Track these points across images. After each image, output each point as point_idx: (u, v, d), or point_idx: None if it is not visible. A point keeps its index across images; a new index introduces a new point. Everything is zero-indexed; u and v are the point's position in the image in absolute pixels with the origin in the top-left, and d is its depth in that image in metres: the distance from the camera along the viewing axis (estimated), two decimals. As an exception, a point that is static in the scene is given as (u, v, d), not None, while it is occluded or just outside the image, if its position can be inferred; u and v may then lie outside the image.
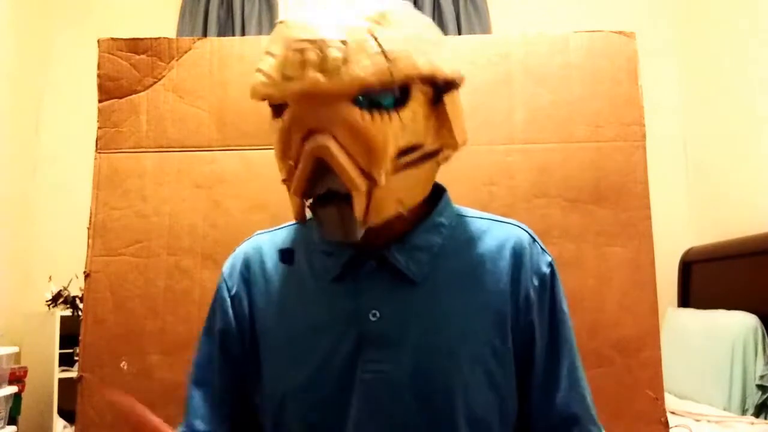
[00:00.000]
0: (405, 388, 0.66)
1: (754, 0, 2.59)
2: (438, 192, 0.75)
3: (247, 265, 0.77)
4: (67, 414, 2.53)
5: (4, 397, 2.24)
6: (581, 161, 1.10)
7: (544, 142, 1.11)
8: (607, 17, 3.09)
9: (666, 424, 1.03)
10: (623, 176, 1.09)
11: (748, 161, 2.62)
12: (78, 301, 2.59)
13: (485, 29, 3.03)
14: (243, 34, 3.02)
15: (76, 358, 2.50)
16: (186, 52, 1.14)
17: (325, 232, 0.65)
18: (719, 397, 2.18)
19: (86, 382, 1.06)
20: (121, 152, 1.12)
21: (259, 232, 0.82)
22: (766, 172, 2.51)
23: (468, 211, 0.78)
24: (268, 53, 0.63)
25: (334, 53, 0.59)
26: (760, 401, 2.14)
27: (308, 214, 0.80)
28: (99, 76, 1.14)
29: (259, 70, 0.64)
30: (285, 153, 0.64)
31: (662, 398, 1.04)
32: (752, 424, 1.95)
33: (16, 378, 2.35)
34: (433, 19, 2.97)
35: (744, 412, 2.13)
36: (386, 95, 0.62)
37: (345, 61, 0.59)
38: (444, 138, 0.68)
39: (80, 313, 2.19)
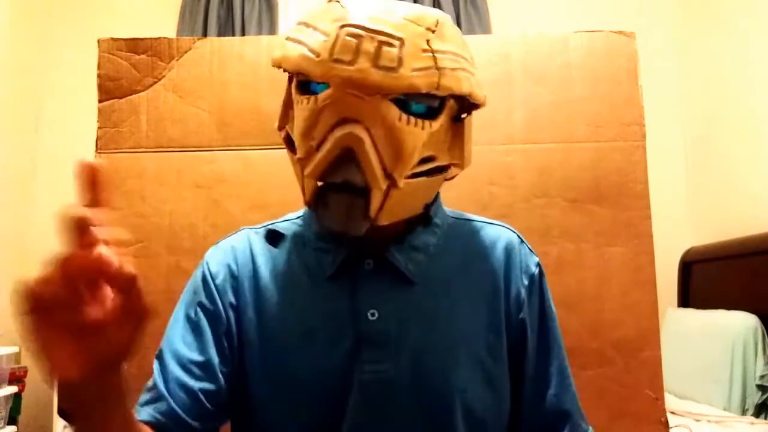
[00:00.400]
0: (404, 388, 0.66)
1: (754, 0, 2.59)
2: None
3: (234, 257, 0.74)
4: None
5: (4, 397, 2.24)
6: (581, 161, 1.10)
7: (544, 142, 1.11)
8: (607, 17, 3.09)
9: (666, 424, 1.03)
10: (623, 176, 1.09)
11: (748, 161, 2.62)
12: (78, 301, 2.59)
13: (485, 29, 3.03)
14: (243, 34, 3.02)
15: (76, 358, 2.50)
16: (186, 52, 1.14)
17: (328, 221, 0.63)
18: (719, 397, 2.18)
19: (86, 382, 1.06)
20: (121, 152, 1.12)
21: (245, 227, 0.79)
22: (766, 172, 2.51)
23: (457, 213, 0.80)
24: (312, 26, 0.62)
25: (391, 50, 0.59)
26: (760, 401, 2.14)
27: (298, 212, 0.80)
28: (99, 76, 1.14)
29: (298, 41, 0.62)
30: (308, 132, 0.62)
31: (662, 398, 1.04)
32: (752, 424, 1.95)
33: (16, 378, 2.35)
34: (433, 19, 2.97)
35: (744, 412, 2.13)
36: (420, 103, 0.62)
37: (400, 60, 0.59)
38: (454, 156, 0.69)
39: (80, 313, 2.19)
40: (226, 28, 3.08)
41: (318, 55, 0.59)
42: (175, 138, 1.12)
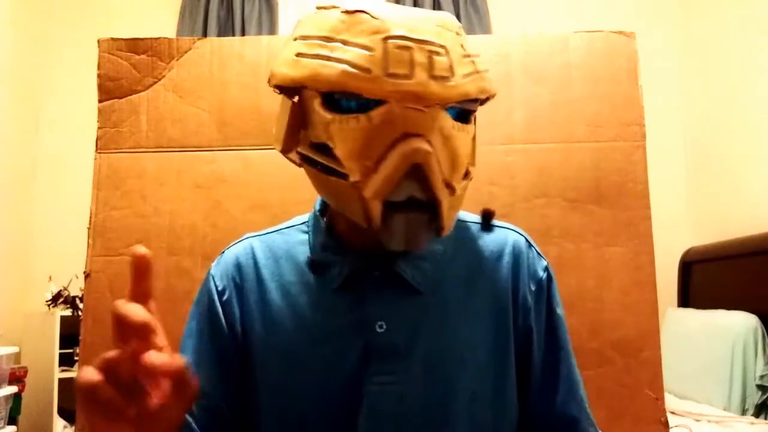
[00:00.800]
0: (414, 399, 0.66)
1: (754, 0, 2.59)
2: None
3: (239, 270, 0.73)
4: (67, 414, 2.53)
5: (4, 397, 2.24)
6: (581, 161, 1.10)
7: (544, 142, 1.11)
8: (607, 17, 3.09)
9: (666, 424, 1.03)
10: (623, 176, 1.09)
11: (748, 161, 2.62)
12: (78, 301, 2.59)
13: (485, 29, 3.03)
14: (243, 34, 3.02)
15: (76, 358, 2.51)
16: (186, 52, 1.14)
17: (395, 241, 0.60)
18: (719, 397, 2.18)
19: (86, 382, 1.06)
20: (121, 152, 1.12)
21: (248, 235, 0.78)
22: (766, 172, 2.51)
23: (462, 214, 0.77)
24: (340, 41, 0.58)
25: (442, 59, 0.58)
26: (760, 401, 2.14)
27: (302, 218, 0.79)
28: (99, 76, 1.14)
29: (326, 57, 0.58)
30: (364, 152, 0.58)
31: (662, 398, 1.04)
32: (752, 424, 1.95)
33: (16, 378, 2.35)
34: (433, 19, 2.97)
35: (744, 412, 2.13)
36: (456, 108, 0.62)
37: (451, 68, 0.59)
38: (471, 158, 0.69)
39: (80, 313, 2.19)
40: (226, 28, 3.09)
41: (369, 71, 0.56)
42: (175, 138, 1.12)
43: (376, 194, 0.58)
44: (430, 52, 0.58)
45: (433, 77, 0.57)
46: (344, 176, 0.59)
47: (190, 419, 0.67)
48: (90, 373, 0.44)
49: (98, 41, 1.14)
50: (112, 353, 0.46)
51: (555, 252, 1.06)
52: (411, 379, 0.66)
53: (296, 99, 0.65)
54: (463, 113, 0.63)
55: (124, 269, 1.09)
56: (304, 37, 0.61)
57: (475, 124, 0.67)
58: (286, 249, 0.74)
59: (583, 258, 1.07)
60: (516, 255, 0.73)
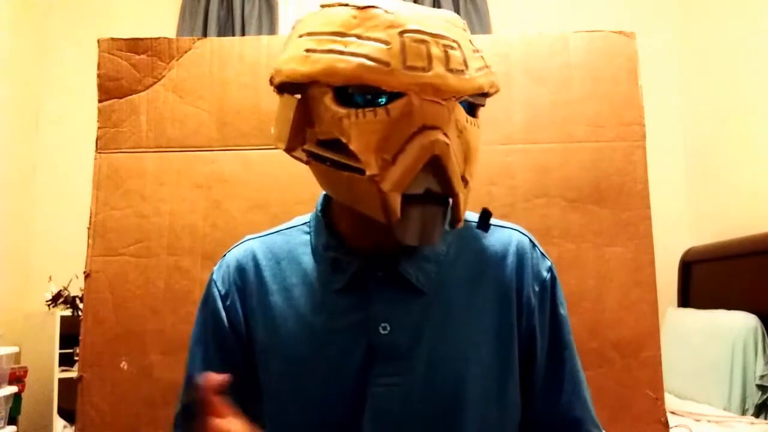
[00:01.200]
0: (418, 400, 0.66)
1: (754, 0, 2.59)
2: None
3: (240, 273, 0.73)
4: (67, 414, 2.53)
5: (4, 397, 2.24)
6: (581, 161, 1.10)
7: (543, 142, 1.11)
8: (607, 17, 3.09)
9: (666, 424, 1.03)
10: (623, 176, 1.09)
11: (748, 161, 2.62)
12: (78, 301, 2.59)
13: (485, 29, 3.03)
14: (243, 34, 3.02)
15: (76, 358, 2.51)
16: (186, 52, 1.14)
17: (410, 234, 0.60)
18: (719, 397, 2.18)
19: (86, 382, 1.06)
20: (121, 152, 1.12)
21: (249, 237, 0.78)
22: (766, 172, 2.51)
23: (466, 214, 0.78)
24: (354, 35, 0.58)
25: (456, 53, 0.59)
26: (760, 401, 2.14)
27: (303, 218, 0.79)
28: (99, 76, 1.14)
29: (339, 52, 0.58)
30: (382, 145, 0.58)
31: (662, 398, 1.04)
32: (752, 424, 1.95)
33: (16, 378, 2.35)
34: (433, 19, 2.97)
35: (744, 412, 2.13)
36: (466, 102, 0.63)
37: (465, 62, 0.59)
38: None
39: (80, 313, 2.19)
40: (226, 28, 3.09)
41: (387, 65, 0.57)
42: (175, 138, 1.12)
43: (395, 187, 0.58)
44: (445, 46, 0.59)
45: (450, 70, 0.58)
46: (360, 171, 0.59)
47: None
48: None
49: (98, 41, 1.14)
50: None
51: (555, 252, 1.06)
52: (415, 380, 0.66)
53: (298, 96, 0.64)
54: (472, 107, 0.64)
55: (124, 269, 1.09)
56: (312, 34, 0.61)
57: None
58: (288, 250, 0.74)
59: (583, 258, 1.07)
60: (520, 255, 0.73)
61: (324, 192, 0.76)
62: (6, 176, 2.78)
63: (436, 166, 0.58)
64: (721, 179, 2.81)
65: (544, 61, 1.13)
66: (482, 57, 0.63)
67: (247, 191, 1.10)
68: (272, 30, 3.07)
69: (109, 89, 1.14)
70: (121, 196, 1.11)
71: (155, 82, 1.14)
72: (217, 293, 0.73)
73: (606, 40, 1.13)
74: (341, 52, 0.58)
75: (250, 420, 0.67)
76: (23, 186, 2.93)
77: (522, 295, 0.71)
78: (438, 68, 0.58)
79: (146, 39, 1.14)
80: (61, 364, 2.53)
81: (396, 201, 0.58)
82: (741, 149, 2.67)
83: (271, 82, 0.66)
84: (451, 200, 0.61)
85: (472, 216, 0.77)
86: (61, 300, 2.63)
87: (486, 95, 0.65)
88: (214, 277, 0.75)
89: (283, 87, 0.64)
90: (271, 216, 1.08)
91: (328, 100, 0.60)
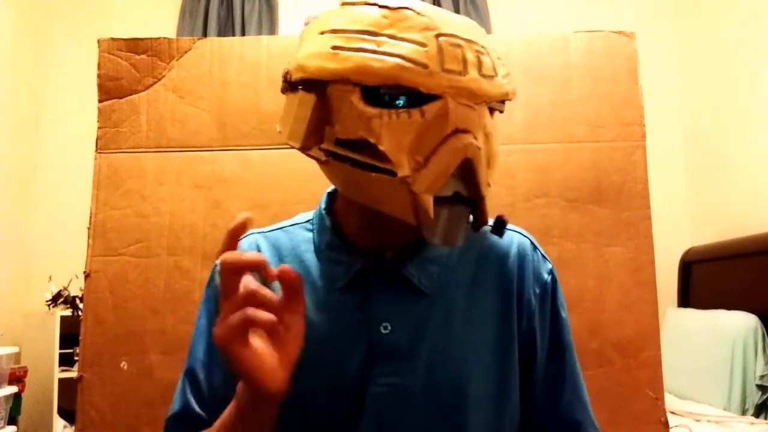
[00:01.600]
0: (417, 401, 0.66)
1: (753, 0, 2.59)
2: None
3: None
4: (67, 414, 2.53)
5: (4, 397, 2.24)
6: (581, 161, 1.10)
7: (543, 142, 1.11)
8: (607, 17, 3.09)
9: (666, 424, 1.03)
10: (623, 176, 1.09)
11: (748, 161, 2.62)
12: (78, 301, 2.59)
13: (485, 29, 3.03)
14: (243, 34, 3.02)
15: (76, 358, 2.51)
16: (186, 52, 1.14)
17: (439, 235, 0.60)
18: (719, 397, 2.18)
19: (86, 382, 1.06)
20: (121, 152, 1.12)
21: (252, 231, 0.77)
22: (766, 172, 2.51)
23: None
24: (386, 35, 0.58)
25: (486, 59, 0.60)
26: (760, 401, 2.14)
27: (306, 215, 0.79)
28: (99, 76, 1.14)
29: (372, 51, 0.58)
30: (414, 147, 0.58)
31: (662, 398, 1.04)
32: (752, 424, 1.95)
33: (16, 378, 2.35)
34: (433, 19, 2.97)
35: (744, 412, 2.13)
36: (490, 108, 0.63)
37: (494, 68, 0.60)
38: None
39: (80, 313, 2.19)
40: (226, 28, 3.09)
41: (425, 66, 0.57)
42: (175, 138, 1.12)
43: (428, 189, 0.57)
44: (477, 51, 0.59)
45: (483, 75, 0.59)
46: (389, 172, 0.58)
47: (202, 413, 0.69)
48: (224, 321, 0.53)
49: (98, 41, 1.14)
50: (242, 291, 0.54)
51: (555, 252, 1.06)
52: (415, 380, 0.66)
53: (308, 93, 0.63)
54: (491, 112, 0.64)
55: (124, 269, 1.09)
56: (337, 31, 0.60)
57: None
58: (291, 247, 0.74)
59: (583, 258, 1.07)
60: (521, 257, 0.73)
61: (328, 190, 0.76)
62: (6, 176, 2.78)
63: (467, 169, 0.58)
64: (721, 179, 2.81)
65: (544, 61, 1.13)
66: (503, 64, 0.64)
67: (247, 191, 1.10)
68: (272, 30, 3.07)
69: (109, 89, 1.14)
70: (121, 196, 1.11)
71: (155, 82, 1.14)
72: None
73: (606, 40, 1.13)
74: (374, 51, 0.58)
75: None
76: (23, 186, 2.93)
77: (523, 297, 0.72)
78: (473, 72, 0.58)
79: (146, 39, 1.14)
80: (61, 364, 2.53)
81: (429, 203, 0.58)
82: (741, 149, 2.67)
83: (286, 78, 0.65)
84: (476, 204, 0.62)
85: None
86: (61, 300, 2.63)
87: (505, 102, 0.65)
88: (218, 268, 0.74)
89: (300, 84, 0.63)
90: (271, 216, 1.07)
91: (355, 99, 0.58)
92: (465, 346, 0.68)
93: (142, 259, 1.09)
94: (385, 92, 0.58)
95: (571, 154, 1.10)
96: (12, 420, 2.34)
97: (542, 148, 1.11)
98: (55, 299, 2.63)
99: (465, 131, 0.58)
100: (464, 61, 0.58)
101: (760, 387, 2.15)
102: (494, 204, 1.07)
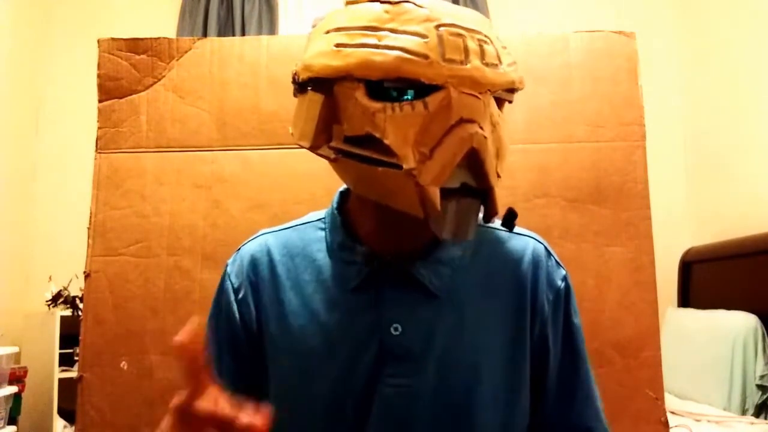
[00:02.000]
0: (427, 403, 0.65)
1: (754, 0, 2.59)
2: None
3: (254, 268, 0.73)
4: (67, 414, 2.53)
5: (4, 397, 2.24)
6: (581, 161, 1.10)
7: (543, 142, 1.11)
8: (607, 17, 3.09)
9: (666, 424, 1.03)
10: (623, 176, 1.09)
11: (748, 161, 2.62)
12: (78, 301, 2.59)
13: (485, 29, 3.03)
14: (243, 34, 3.02)
15: (76, 358, 2.51)
16: (186, 52, 1.14)
17: (447, 229, 0.59)
18: (719, 397, 2.18)
19: (86, 382, 1.06)
20: (121, 152, 1.12)
21: (263, 231, 0.78)
22: (766, 172, 2.51)
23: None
24: (387, 29, 0.58)
25: (490, 47, 0.59)
26: (760, 401, 2.14)
27: (317, 214, 0.78)
28: (99, 76, 1.14)
29: (373, 46, 0.58)
30: (419, 139, 0.57)
31: (662, 398, 1.04)
32: (752, 424, 1.95)
33: (16, 378, 2.35)
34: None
35: (744, 412, 2.13)
36: (496, 97, 0.63)
37: (498, 57, 0.60)
38: None
39: (80, 313, 2.19)
40: (226, 28, 3.08)
41: (426, 57, 0.56)
42: (175, 138, 1.12)
43: (434, 181, 0.57)
44: (480, 40, 0.59)
45: (486, 64, 0.59)
46: (396, 165, 0.58)
47: None
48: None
49: (98, 41, 1.14)
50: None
51: (555, 252, 1.06)
52: (425, 382, 0.66)
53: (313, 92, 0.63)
54: (499, 103, 0.64)
55: (124, 269, 1.09)
56: (341, 29, 0.61)
57: None
58: (302, 246, 0.74)
59: (583, 258, 1.07)
60: (535, 263, 0.73)
61: (340, 189, 0.76)
62: (6, 176, 2.78)
63: (473, 159, 0.58)
64: (721, 179, 2.81)
65: (544, 61, 1.13)
66: (509, 53, 0.63)
67: (247, 191, 1.10)
68: (272, 30, 3.07)
69: (109, 89, 1.14)
70: (121, 196, 1.11)
71: (155, 82, 1.14)
72: (230, 286, 0.73)
73: (606, 40, 1.13)
74: (376, 46, 0.58)
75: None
76: (23, 186, 2.93)
77: (536, 303, 0.71)
78: (475, 61, 0.58)
79: (146, 39, 1.14)
80: (61, 364, 2.53)
81: (435, 194, 0.57)
82: (741, 149, 2.67)
83: (295, 80, 0.65)
84: (486, 195, 0.61)
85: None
86: (61, 300, 2.63)
87: (513, 91, 0.65)
88: (228, 270, 0.75)
89: (308, 84, 0.63)
90: (271, 216, 1.08)
91: (359, 94, 0.59)
92: (476, 348, 0.68)
93: (142, 259, 1.09)
94: (390, 86, 0.58)
95: (571, 154, 1.10)
96: (12, 420, 2.34)
97: (542, 148, 1.11)
98: (55, 299, 2.62)
99: (470, 121, 0.57)
100: (466, 50, 0.58)
101: (760, 387, 2.15)
102: (494, 204, 1.08)
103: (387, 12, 0.59)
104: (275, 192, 1.10)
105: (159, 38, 1.15)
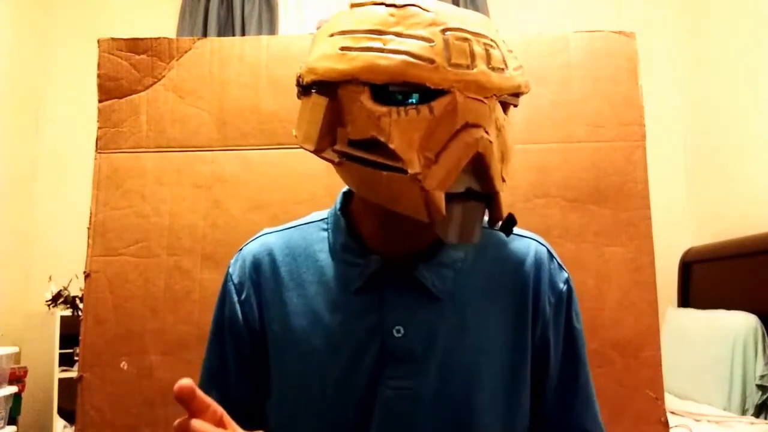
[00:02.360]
0: (428, 405, 0.65)
1: (754, 0, 2.59)
2: None
3: (256, 268, 0.73)
4: (67, 414, 2.53)
5: (4, 397, 2.24)
6: (581, 161, 1.10)
7: (543, 142, 1.11)
8: (607, 17, 3.09)
9: (666, 424, 1.03)
10: (623, 176, 1.09)
11: (748, 161, 2.62)
12: (78, 301, 2.59)
13: (485, 29, 3.03)
14: (243, 34, 3.02)
15: (76, 358, 2.51)
16: (186, 52, 1.14)
17: (452, 233, 0.59)
18: (719, 397, 2.18)
19: (86, 382, 1.06)
20: (121, 152, 1.12)
21: (266, 230, 0.78)
22: (766, 172, 2.51)
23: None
24: (392, 33, 0.58)
25: (496, 52, 0.59)
26: (760, 401, 2.14)
27: (320, 214, 0.78)
28: (99, 76, 1.14)
29: (378, 50, 0.58)
30: (425, 143, 0.57)
31: (662, 398, 1.04)
32: (752, 424, 1.95)
33: (16, 378, 2.35)
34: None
35: (744, 412, 2.13)
36: (501, 102, 0.63)
37: (504, 61, 0.60)
38: None
39: (80, 313, 2.19)
40: (226, 28, 3.08)
41: (432, 62, 0.56)
42: (175, 138, 1.12)
43: (439, 185, 0.57)
44: (486, 44, 0.59)
45: (492, 68, 0.58)
46: (401, 170, 0.58)
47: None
48: None
49: (98, 41, 1.14)
50: None
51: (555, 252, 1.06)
52: (426, 384, 0.66)
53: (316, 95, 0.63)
54: (504, 107, 0.64)
55: (124, 269, 1.09)
56: (346, 32, 0.60)
57: None
58: (304, 247, 0.74)
59: (583, 258, 1.07)
60: (538, 266, 0.73)
61: (343, 190, 0.75)
62: (6, 176, 2.78)
63: (478, 164, 0.58)
64: (721, 179, 2.81)
65: (544, 61, 1.13)
66: (515, 57, 0.63)
67: (247, 191, 1.10)
68: (272, 30, 3.07)
69: (109, 89, 1.14)
70: (121, 196, 1.11)
71: (155, 82, 1.14)
72: (232, 287, 0.74)
73: (606, 40, 1.13)
74: (381, 50, 0.58)
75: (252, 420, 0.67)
76: (23, 186, 2.93)
77: (538, 306, 0.71)
78: (481, 66, 0.58)
79: (146, 39, 1.14)
80: (61, 364, 2.53)
81: (441, 199, 0.57)
82: (741, 149, 2.67)
83: (299, 83, 0.65)
84: (491, 199, 0.60)
85: None
86: (61, 300, 2.63)
87: (518, 95, 0.65)
88: (230, 270, 0.75)
89: (312, 87, 0.63)
90: (271, 216, 1.08)
91: (364, 98, 0.58)
92: (477, 351, 0.68)
93: (142, 259, 1.09)
94: (395, 90, 0.58)
95: (571, 154, 1.10)
96: (12, 420, 2.34)
97: (542, 148, 1.10)
98: (55, 299, 2.62)
99: (475, 125, 0.57)
100: (472, 55, 0.57)
101: (760, 387, 2.15)
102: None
103: (392, 15, 0.59)
104: (275, 192, 1.10)
105: (159, 38, 1.15)
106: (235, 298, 0.73)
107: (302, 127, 0.66)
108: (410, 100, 0.58)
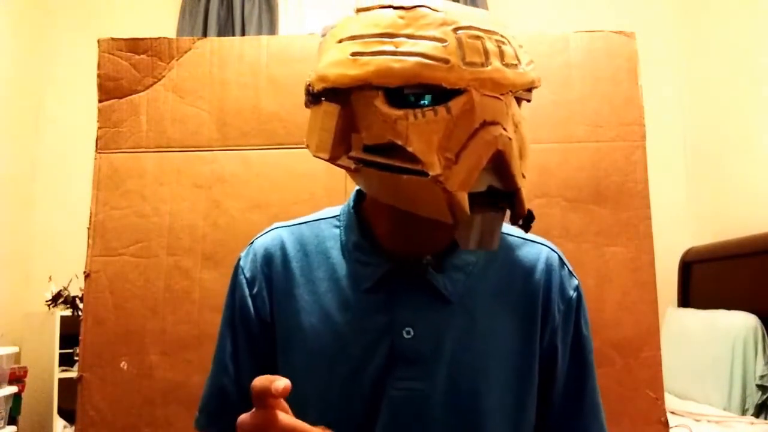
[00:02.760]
0: (436, 407, 0.65)
1: (754, 0, 2.59)
2: None
3: (268, 261, 0.73)
4: (67, 414, 2.53)
5: (4, 397, 2.24)
6: (581, 161, 1.10)
7: (544, 141, 1.11)
8: (607, 17, 3.09)
9: (666, 424, 1.03)
10: (623, 176, 1.09)
11: (748, 161, 2.62)
12: (78, 301, 2.59)
13: (485, 29, 3.03)
14: (243, 34, 3.01)
15: (76, 358, 2.51)
16: (186, 52, 1.14)
17: (468, 239, 0.58)
18: (719, 397, 2.18)
19: (86, 382, 1.06)
20: (121, 152, 1.12)
21: (276, 224, 0.77)
22: (766, 172, 2.51)
23: None
24: (403, 36, 0.58)
25: (508, 48, 0.59)
26: (760, 401, 2.14)
27: (332, 210, 0.77)
28: (99, 76, 1.14)
29: (391, 53, 0.57)
30: (443, 144, 0.56)
31: (662, 398, 1.04)
32: (752, 424, 1.95)
33: (16, 378, 2.35)
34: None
35: (744, 412, 2.13)
36: (516, 98, 0.63)
37: (517, 57, 0.60)
38: None
39: (80, 313, 2.20)
40: (226, 28, 3.08)
41: (447, 61, 0.56)
42: (175, 138, 1.12)
43: (461, 186, 0.56)
44: (498, 41, 0.59)
45: (506, 65, 0.58)
46: (421, 173, 0.57)
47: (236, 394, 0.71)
48: None
49: (98, 41, 1.14)
50: None
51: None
52: (434, 387, 0.66)
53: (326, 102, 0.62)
54: (518, 102, 0.63)
55: (124, 269, 1.09)
56: (355, 37, 0.60)
57: None
58: (316, 243, 0.73)
59: (583, 258, 1.07)
60: (548, 272, 0.72)
61: (357, 188, 0.75)
62: (6, 176, 2.78)
63: (498, 161, 0.57)
64: (721, 179, 2.81)
65: (544, 61, 1.13)
66: (526, 52, 0.63)
67: (247, 191, 1.10)
68: (272, 30, 3.07)
69: (109, 89, 1.14)
70: (121, 196, 1.11)
71: (155, 82, 1.14)
72: (243, 280, 0.73)
73: (606, 40, 1.13)
74: (394, 53, 0.57)
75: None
76: (23, 186, 2.93)
77: (547, 312, 0.71)
78: (495, 63, 0.57)
79: (146, 39, 1.14)
80: (61, 364, 2.53)
81: (464, 200, 0.56)
82: (741, 149, 2.67)
83: (309, 91, 0.64)
84: (512, 196, 0.60)
85: (505, 227, 0.75)
86: (61, 300, 2.63)
87: (531, 90, 0.64)
88: (241, 263, 0.75)
89: (322, 95, 0.62)
90: (271, 216, 1.08)
91: (379, 102, 0.58)
92: (486, 355, 0.68)
93: (142, 259, 1.09)
94: (409, 92, 0.58)
95: (571, 154, 1.10)
96: (12, 420, 2.34)
97: (542, 148, 1.10)
98: (55, 299, 2.63)
99: (494, 123, 0.57)
100: (485, 52, 0.57)
101: (760, 387, 2.15)
102: (494, 204, 1.07)
103: (402, 18, 0.59)
104: (275, 192, 1.10)
105: (159, 38, 1.15)
106: (247, 292, 0.73)
107: (314, 136, 0.65)
108: (423, 102, 0.58)
